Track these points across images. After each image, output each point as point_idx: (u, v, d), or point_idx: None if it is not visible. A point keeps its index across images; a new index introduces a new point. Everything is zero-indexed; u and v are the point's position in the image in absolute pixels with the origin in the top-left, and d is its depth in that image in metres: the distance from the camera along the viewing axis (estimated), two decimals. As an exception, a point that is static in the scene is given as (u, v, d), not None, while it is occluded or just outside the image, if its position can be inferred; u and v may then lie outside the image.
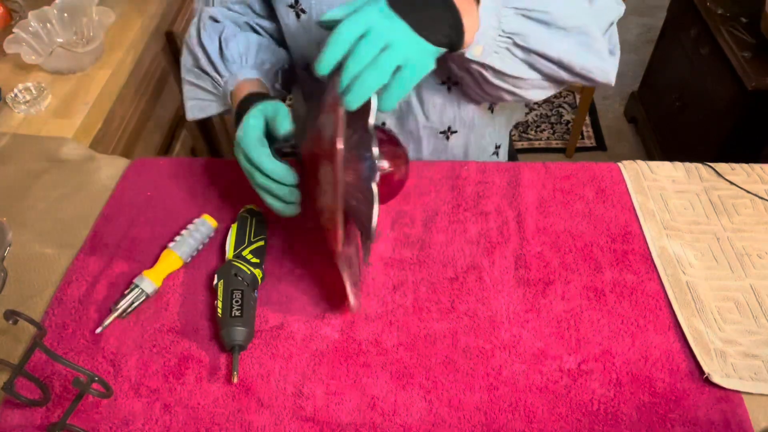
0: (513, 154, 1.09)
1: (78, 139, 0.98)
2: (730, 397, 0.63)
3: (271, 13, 0.87)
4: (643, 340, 0.68)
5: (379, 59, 0.54)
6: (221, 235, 0.79)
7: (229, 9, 0.86)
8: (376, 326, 0.69)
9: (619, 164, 0.87)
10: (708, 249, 0.76)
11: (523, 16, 0.65)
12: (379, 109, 0.56)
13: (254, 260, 0.72)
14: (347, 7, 0.55)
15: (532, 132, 2.35)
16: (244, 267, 0.70)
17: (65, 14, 1.12)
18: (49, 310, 0.71)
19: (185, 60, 0.86)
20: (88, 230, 0.80)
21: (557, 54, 0.68)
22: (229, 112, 0.82)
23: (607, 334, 0.68)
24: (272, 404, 0.63)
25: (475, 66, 0.68)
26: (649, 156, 2.11)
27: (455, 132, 0.90)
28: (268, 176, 0.65)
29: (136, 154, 1.21)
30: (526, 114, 2.41)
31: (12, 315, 0.58)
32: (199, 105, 0.87)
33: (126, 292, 0.70)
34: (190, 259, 0.75)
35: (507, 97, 0.75)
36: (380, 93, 0.56)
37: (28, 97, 1.01)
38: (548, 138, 2.33)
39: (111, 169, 0.88)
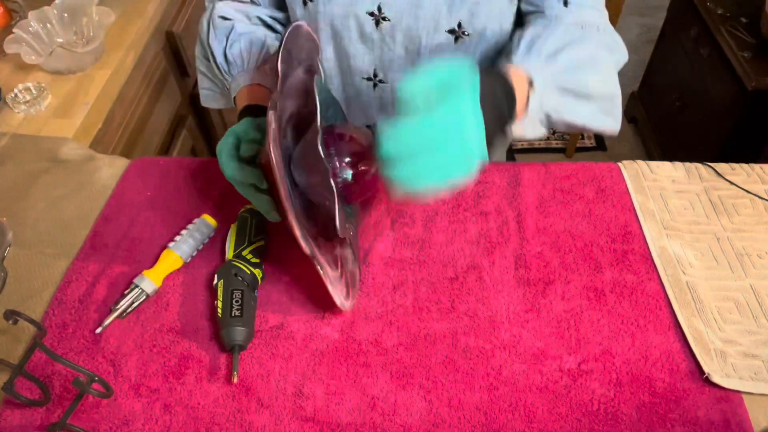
0: (511, 155, 1.09)
1: (78, 139, 0.98)
2: (730, 397, 0.63)
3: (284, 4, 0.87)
4: (643, 340, 0.68)
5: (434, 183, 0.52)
6: (221, 235, 0.79)
7: (241, 1, 0.86)
8: (376, 326, 0.69)
9: (619, 164, 0.87)
10: (708, 249, 0.76)
11: (563, 89, 0.67)
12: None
13: (254, 260, 0.72)
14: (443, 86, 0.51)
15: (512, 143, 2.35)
16: (244, 267, 0.70)
17: (65, 14, 1.12)
18: (49, 310, 0.71)
19: (198, 49, 0.88)
20: (88, 230, 0.80)
21: (581, 121, 0.71)
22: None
23: (607, 334, 0.68)
24: (272, 404, 0.63)
25: None
26: (649, 156, 2.11)
27: None
28: (240, 183, 0.68)
29: (136, 154, 1.21)
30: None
31: (12, 315, 0.58)
32: (211, 95, 0.90)
33: (126, 292, 0.70)
34: (190, 259, 0.75)
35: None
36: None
37: (28, 97, 1.01)
38: (548, 138, 2.33)
39: (111, 169, 0.88)
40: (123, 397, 0.64)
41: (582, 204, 0.82)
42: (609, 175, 0.85)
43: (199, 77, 0.91)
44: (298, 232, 0.60)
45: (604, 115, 0.73)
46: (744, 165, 0.86)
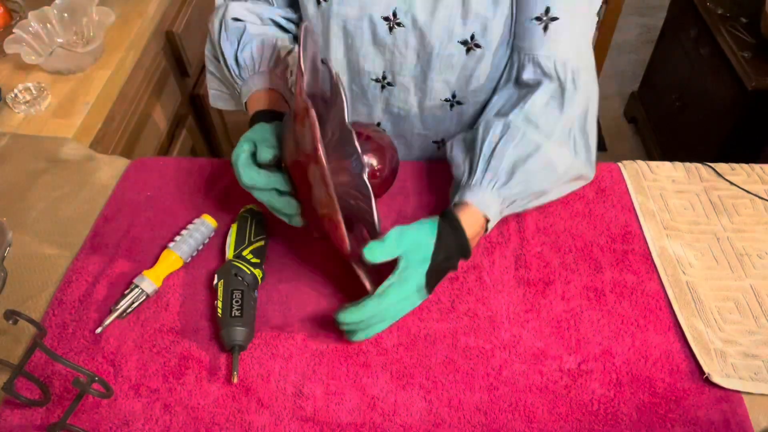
0: None
1: (78, 139, 0.98)
2: (730, 397, 0.63)
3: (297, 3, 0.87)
4: (643, 340, 0.68)
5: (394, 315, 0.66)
6: (221, 235, 0.79)
7: (255, 3, 0.86)
8: (376, 326, 0.69)
9: (619, 164, 0.87)
10: (708, 249, 0.76)
11: (521, 201, 0.73)
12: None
13: (254, 260, 0.72)
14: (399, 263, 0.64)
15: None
16: (244, 267, 0.70)
17: (65, 14, 1.12)
18: (49, 310, 0.71)
19: (208, 48, 0.87)
20: (88, 230, 0.80)
21: (547, 201, 0.77)
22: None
23: (607, 334, 0.68)
24: (272, 404, 0.63)
25: None
26: (649, 156, 2.11)
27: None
28: (261, 189, 0.67)
29: (136, 154, 1.21)
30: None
31: (12, 315, 0.58)
32: (220, 96, 0.90)
33: (126, 292, 0.70)
34: (190, 259, 0.75)
35: None
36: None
37: (28, 97, 1.01)
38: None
39: (111, 169, 0.88)
40: (123, 397, 0.64)
41: (582, 204, 0.82)
42: (609, 175, 0.85)
43: (208, 77, 0.91)
44: (343, 231, 0.60)
45: (569, 185, 0.77)
46: (744, 165, 0.86)
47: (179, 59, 1.42)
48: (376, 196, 0.70)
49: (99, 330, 0.68)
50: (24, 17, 1.10)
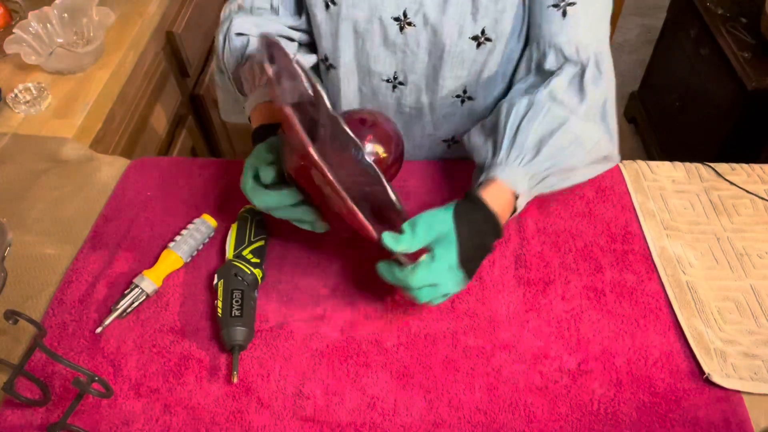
0: None
1: (78, 139, 0.98)
2: (730, 397, 0.63)
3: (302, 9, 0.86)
4: (643, 340, 0.68)
5: (438, 300, 0.65)
6: (221, 235, 0.79)
7: (259, 15, 0.84)
8: (376, 326, 0.69)
9: (619, 164, 0.87)
10: (708, 249, 0.76)
11: (550, 177, 0.70)
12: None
13: (254, 260, 0.72)
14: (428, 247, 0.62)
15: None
16: (244, 267, 0.70)
17: (65, 14, 1.12)
18: (49, 310, 0.71)
19: (215, 63, 0.87)
20: (88, 230, 0.80)
21: (574, 183, 0.74)
22: None
23: (607, 334, 0.68)
24: (272, 404, 0.63)
25: None
26: (649, 156, 2.11)
27: (457, 142, 0.91)
28: (277, 209, 0.67)
29: (136, 154, 1.21)
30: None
31: (12, 315, 0.58)
32: (229, 110, 0.90)
33: (126, 292, 0.70)
34: (190, 259, 0.75)
35: None
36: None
37: (28, 98, 1.01)
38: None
39: (111, 169, 0.88)
40: (123, 397, 0.64)
41: (582, 204, 0.82)
42: (609, 175, 0.85)
43: (218, 92, 0.90)
44: (361, 217, 0.59)
45: (597, 166, 0.75)
46: (744, 165, 0.86)
47: (179, 59, 1.42)
48: (389, 178, 0.69)
49: (99, 330, 0.68)
50: (24, 17, 1.10)
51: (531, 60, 0.78)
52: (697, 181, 0.85)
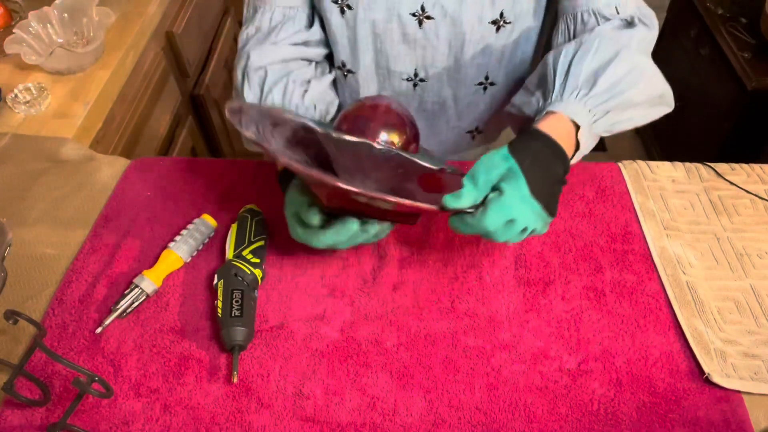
0: None
1: (78, 139, 0.97)
2: (730, 397, 0.63)
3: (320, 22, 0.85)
4: (643, 340, 0.68)
5: (518, 237, 0.61)
6: (221, 235, 0.79)
7: (277, 42, 0.82)
8: (376, 326, 0.69)
9: (619, 164, 0.87)
10: (708, 249, 0.76)
11: (609, 112, 0.68)
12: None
13: (254, 260, 0.72)
14: (493, 190, 0.60)
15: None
16: (244, 267, 0.70)
17: (65, 14, 1.12)
18: (49, 310, 0.71)
19: (234, 94, 0.85)
20: (88, 230, 0.80)
21: (633, 125, 0.72)
22: None
23: (607, 334, 0.68)
24: (272, 404, 0.63)
25: None
26: (649, 156, 2.11)
27: (481, 132, 0.92)
28: (343, 242, 0.66)
29: (136, 154, 1.21)
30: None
31: (12, 315, 0.58)
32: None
33: (126, 292, 0.70)
34: (190, 259, 0.75)
35: None
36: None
37: (28, 98, 1.01)
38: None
39: (111, 169, 0.88)
40: (123, 397, 0.64)
41: (582, 204, 0.82)
42: (609, 175, 0.85)
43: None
44: (419, 205, 0.59)
45: (655, 108, 0.73)
46: (744, 165, 0.86)
47: (179, 59, 1.42)
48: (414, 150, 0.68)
49: (99, 330, 0.68)
50: (24, 17, 1.10)
51: (567, 31, 0.78)
52: (697, 181, 0.85)
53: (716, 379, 0.63)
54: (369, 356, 0.67)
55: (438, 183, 0.69)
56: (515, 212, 0.59)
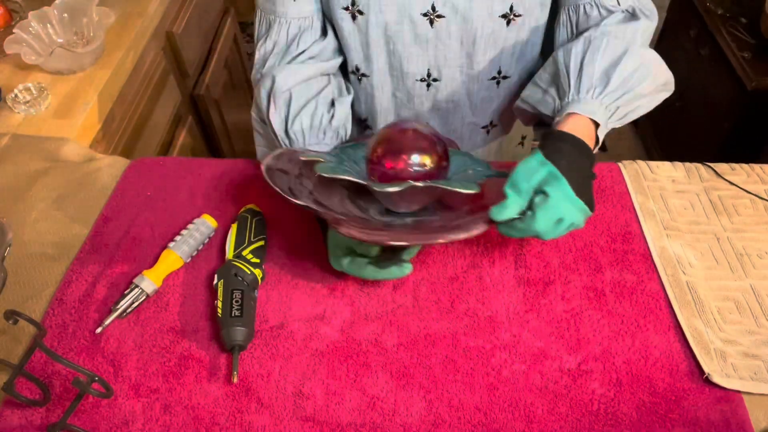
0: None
1: (78, 140, 0.98)
2: (730, 397, 0.63)
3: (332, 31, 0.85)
4: (643, 340, 0.68)
5: (563, 233, 0.66)
6: (221, 235, 0.79)
7: (297, 60, 0.82)
8: (376, 326, 0.69)
9: (619, 164, 0.87)
10: (708, 249, 0.76)
11: (622, 107, 0.72)
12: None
13: (254, 260, 0.72)
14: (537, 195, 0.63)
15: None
16: (244, 267, 0.70)
17: (65, 14, 1.12)
18: (49, 310, 0.71)
19: (254, 111, 0.85)
20: (88, 230, 0.80)
21: (643, 113, 0.76)
22: None
23: (607, 334, 0.68)
24: (272, 404, 0.63)
25: None
26: (649, 156, 2.11)
27: (495, 126, 0.92)
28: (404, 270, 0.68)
29: (136, 154, 1.21)
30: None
31: (12, 315, 0.58)
32: (268, 153, 0.86)
33: (126, 292, 0.70)
34: (190, 259, 0.75)
35: None
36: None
37: (28, 98, 1.01)
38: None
39: (111, 169, 0.88)
40: (123, 397, 0.64)
41: (582, 204, 0.82)
42: (609, 175, 0.85)
43: (256, 136, 0.88)
44: (464, 236, 0.63)
45: (659, 94, 0.77)
46: (744, 165, 0.86)
47: (179, 59, 1.42)
48: (446, 171, 0.71)
49: (99, 330, 0.68)
50: (24, 17, 1.10)
51: (570, 23, 0.80)
52: (697, 181, 0.85)
53: (716, 379, 0.63)
54: (369, 356, 0.67)
55: (478, 195, 0.71)
56: (563, 212, 0.63)
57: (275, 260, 0.76)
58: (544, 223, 0.62)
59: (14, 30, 1.05)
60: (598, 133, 0.70)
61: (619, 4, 0.77)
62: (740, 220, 0.80)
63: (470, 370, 0.65)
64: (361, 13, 0.79)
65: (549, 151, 0.64)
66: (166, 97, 1.36)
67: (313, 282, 0.74)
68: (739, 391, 0.63)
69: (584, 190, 0.65)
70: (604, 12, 0.77)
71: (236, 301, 0.67)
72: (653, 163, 0.87)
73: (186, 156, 1.45)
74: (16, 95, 1.01)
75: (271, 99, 0.80)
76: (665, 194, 0.83)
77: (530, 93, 0.79)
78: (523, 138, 1.05)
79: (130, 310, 0.70)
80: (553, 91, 0.75)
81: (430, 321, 0.70)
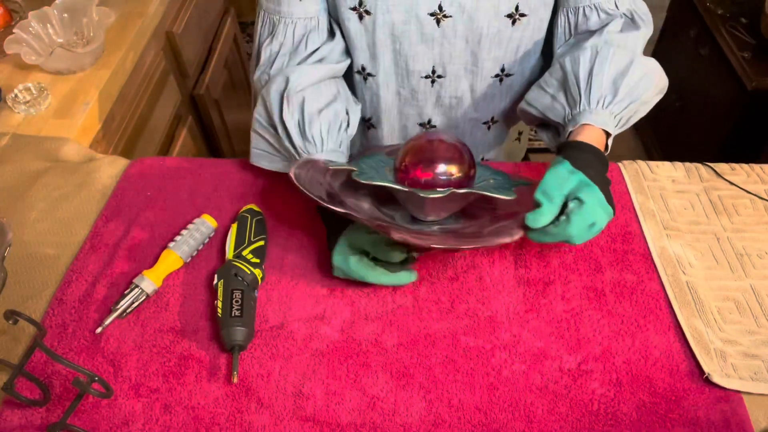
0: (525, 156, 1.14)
1: (78, 140, 0.97)
2: (730, 397, 0.63)
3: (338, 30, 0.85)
4: (643, 340, 0.68)
5: (592, 237, 0.68)
6: (221, 235, 0.79)
7: (307, 62, 0.81)
8: (376, 326, 0.69)
9: (619, 164, 0.87)
10: (708, 249, 0.76)
11: (628, 114, 0.76)
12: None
13: (254, 260, 0.72)
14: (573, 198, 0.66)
15: (533, 132, 2.35)
16: (244, 267, 0.70)
17: (65, 14, 1.12)
18: (49, 310, 0.71)
19: (260, 112, 0.81)
20: (88, 230, 0.80)
21: (642, 115, 0.80)
22: None
23: (607, 334, 0.68)
24: (272, 404, 0.63)
25: None
26: (649, 156, 2.11)
27: (497, 122, 0.93)
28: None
29: (136, 154, 1.21)
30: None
31: (12, 315, 0.58)
32: (267, 157, 0.84)
33: (126, 292, 0.70)
34: (190, 259, 0.75)
35: None
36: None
37: (28, 98, 1.01)
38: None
39: (111, 169, 0.88)
40: (123, 397, 0.64)
41: (582, 204, 0.82)
42: (609, 175, 0.85)
43: (255, 138, 0.84)
44: (498, 242, 0.66)
45: (655, 98, 0.80)
46: (744, 165, 0.86)
47: (179, 59, 1.42)
48: (473, 178, 0.73)
49: (99, 330, 0.68)
50: (24, 17, 1.10)
51: (568, 24, 0.82)
52: (697, 181, 0.85)
53: (716, 379, 0.63)
54: (369, 356, 0.67)
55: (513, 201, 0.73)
56: (596, 217, 0.66)
57: (275, 260, 0.76)
58: (578, 228, 0.65)
59: (14, 30, 1.05)
60: (608, 142, 0.74)
61: (617, 7, 0.79)
62: (740, 220, 0.80)
63: (470, 370, 0.65)
64: (368, 13, 0.79)
65: (575, 161, 0.67)
66: (166, 97, 1.36)
67: (313, 282, 0.74)
68: (739, 391, 0.63)
69: (608, 195, 0.68)
70: (603, 15, 0.79)
71: (236, 301, 0.67)
72: (653, 163, 0.87)
73: (186, 156, 1.45)
74: (16, 95, 1.01)
75: (285, 99, 0.78)
76: (665, 194, 0.83)
77: (537, 97, 0.80)
78: (520, 134, 1.06)
79: (130, 310, 0.70)
80: (561, 97, 0.77)
81: (430, 321, 0.70)
